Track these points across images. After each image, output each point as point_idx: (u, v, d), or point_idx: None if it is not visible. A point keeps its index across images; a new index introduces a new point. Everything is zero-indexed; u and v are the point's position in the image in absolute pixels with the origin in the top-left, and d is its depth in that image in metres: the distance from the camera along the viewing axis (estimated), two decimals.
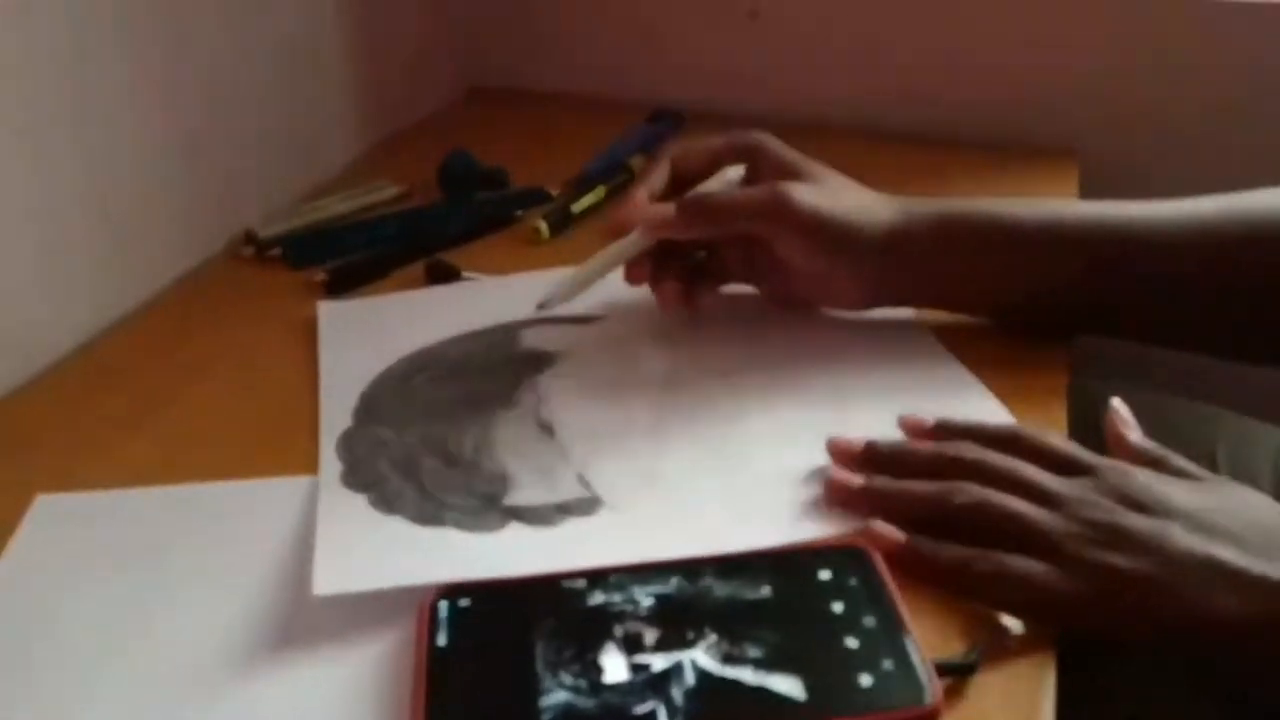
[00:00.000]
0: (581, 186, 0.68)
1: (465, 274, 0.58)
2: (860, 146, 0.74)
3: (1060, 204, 0.51)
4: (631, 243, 0.49)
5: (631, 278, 0.50)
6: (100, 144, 0.55)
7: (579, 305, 0.52)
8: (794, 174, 0.49)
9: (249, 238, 0.63)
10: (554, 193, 0.69)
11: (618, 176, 0.69)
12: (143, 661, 0.36)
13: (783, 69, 0.79)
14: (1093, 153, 0.72)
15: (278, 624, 0.37)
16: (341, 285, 0.59)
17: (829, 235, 0.47)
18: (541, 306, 0.49)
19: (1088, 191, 0.71)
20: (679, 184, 0.51)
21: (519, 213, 0.66)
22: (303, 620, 0.37)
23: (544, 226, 0.63)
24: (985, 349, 0.50)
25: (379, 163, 0.75)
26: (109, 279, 0.57)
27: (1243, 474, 0.57)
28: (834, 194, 0.49)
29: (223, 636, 0.37)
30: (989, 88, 0.74)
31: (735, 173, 0.50)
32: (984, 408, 0.46)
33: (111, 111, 0.56)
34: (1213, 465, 0.57)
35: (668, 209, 0.48)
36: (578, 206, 0.66)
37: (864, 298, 0.51)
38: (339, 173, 0.73)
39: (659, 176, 0.51)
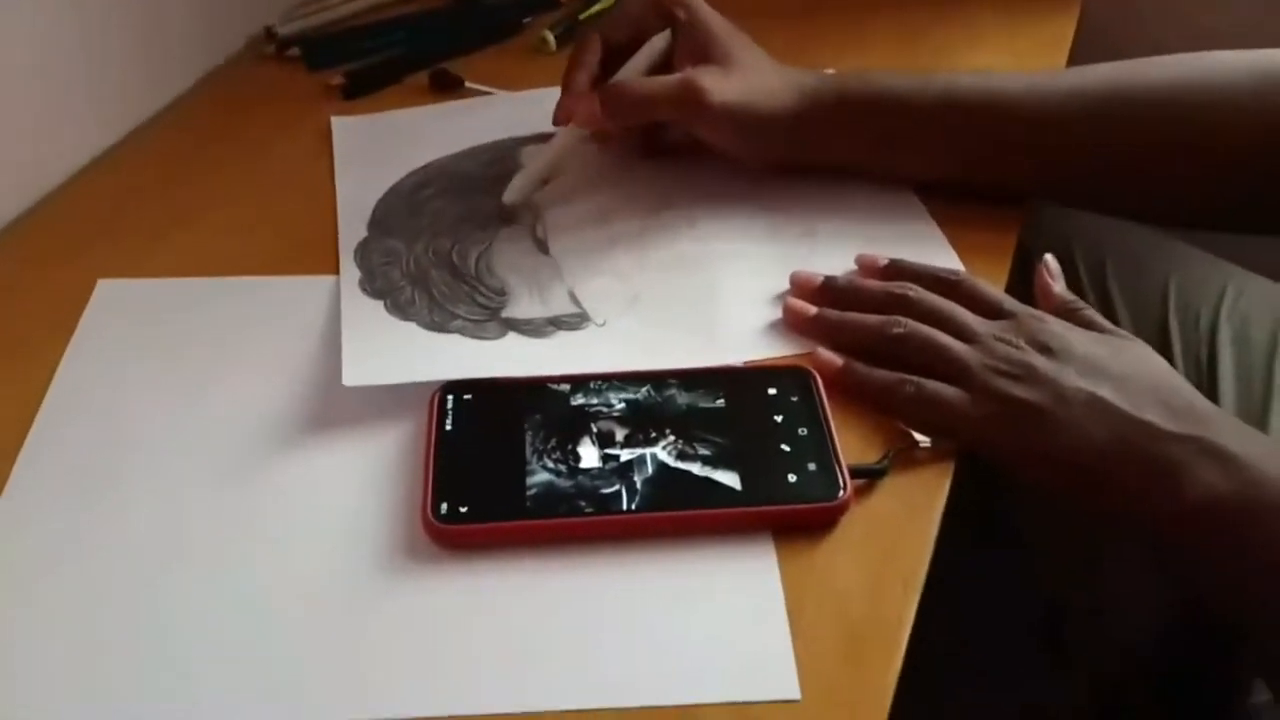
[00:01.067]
0: None
1: (469, 84, 0.61)
2: None
3: (957, 78, 0.53)
4: (572, 133, 0.53)
5: (599, 139, 0.54)
6: None
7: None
8: (710, 50, 0.52)
9: (269, 35, 0.66)
10: None
11: None
12: (195, 437, 0.43)
13: None
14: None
15: (309, 407, 0.44)
16: (356, 89, 0.62)
17: (738, 123, 0.51)
18: (504, 207, 0.53)
19: (1086, 35, 0.72)
20: (611, 57, 0.53)
21: (527, 20, 0.68)
22: (329, 406, 0.44)
23: (550, 38, 0.66)
24: (953, 202, 0.53)
25: None
26: (141, 76, 0.61)
27: (1189, 305, 0.63)
28: (744, 79, 0.51)
29: (263, 415, 0.44)
30: None
31: (662, 40, 0.53)
32: (940, 256, 0.51)
33: None
34: (1164, 295, 0.63)
35: (594, 104, 0.51)
36: (585, 15, 0.68)
37: (776, 166, 0.54)
38: None
39: (592, 55, 0.53)
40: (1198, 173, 0.51)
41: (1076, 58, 0.73)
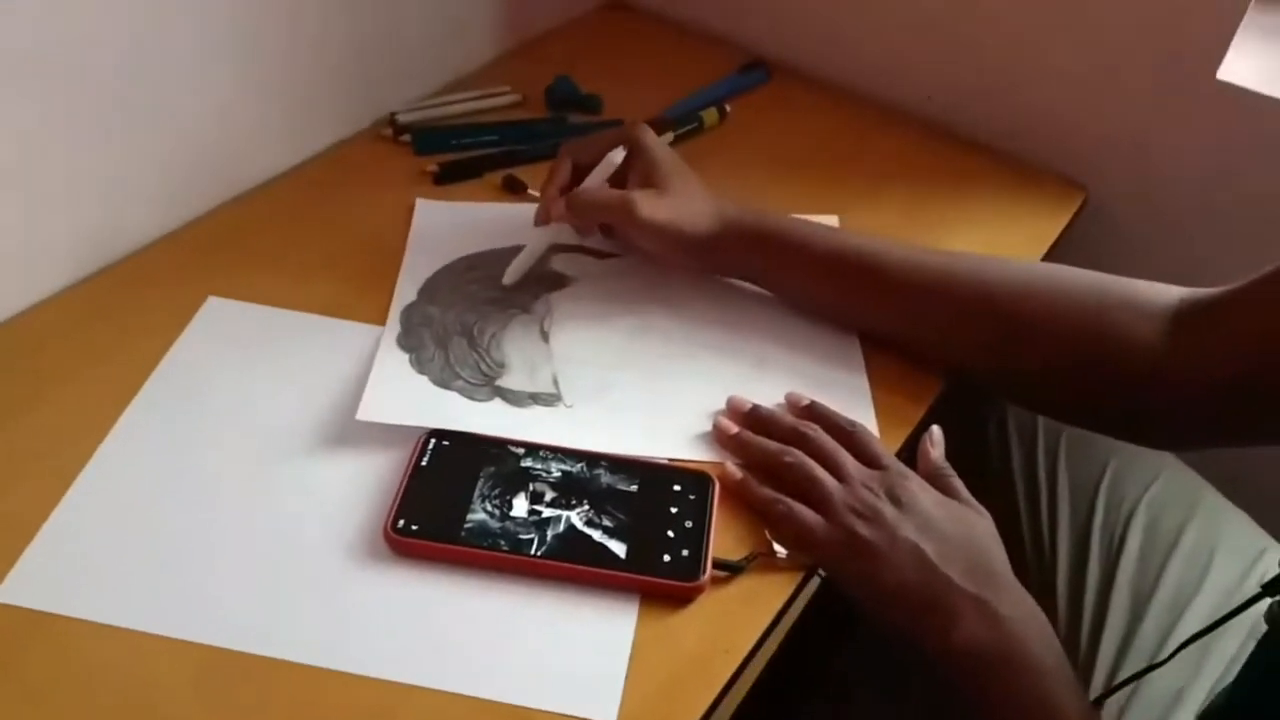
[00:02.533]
0: (657, 129, 0.82)
1: (530, 191, 0.75)
2: (900, 130, 0.86)
3: (848, 237, 0.63)
4: (549, 230, 0.66)
5: (581, 231, 0.69)
6: (293, 37, 0.73)
7: (598, 242, 0.70)
8: (653, 176, 0.64)
9: (391, 119, 0.81)
10: None
11: (689, 124, 0.83)
12: (248, 429, 0.58)
13: (864, 45, 0.88)
14: (1103, 196, 0.81)
15: (332, 426, 0.58)
16: (445, 178, 0.77)
17: (660, 235, 0.63)
18: (506, 284, 0.67)
19: (1088, 225, 0.81)
20: (580, 174, 0.66)
21: None
22: (346, 428, 0.57)
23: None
24: (891, 362, 0.63)
25: (509, 66, 0.90)
26: (287, 136, 0.77)
27: (1119, 487, 0.71)
28: (672, 202, 0.63)
29: (298, 425, 0.58)
30: (1034, 107, 0.82)
31: (618, 155, 0.65)
32: (859, 406, 0.61)
33: (301, 10, 0.73)
34: (1101, 474, 0.71)
35: (563, 206, 0.65)
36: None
37: (693, 274, 0.67)
38: (476, 69, 0.89)
39: (563, 172, 0.66)
40: (1021, 355, 0.60)
41: (1085, 247, 0.82)
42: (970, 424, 0.77)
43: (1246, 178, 0.76)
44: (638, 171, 0.65)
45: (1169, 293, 0.58)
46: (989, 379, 0.63)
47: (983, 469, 0.75)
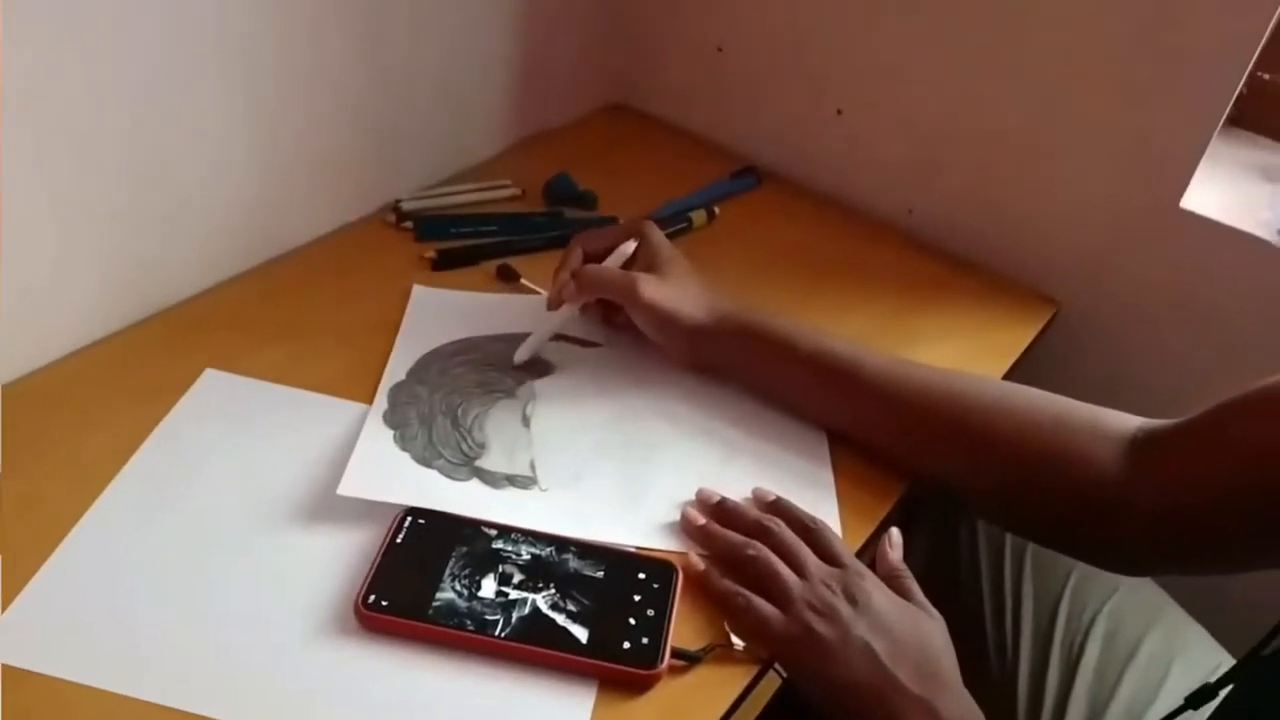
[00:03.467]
0: None
1: (524, 280, 0.79)
2: (881, 241, 0.90)
3: (832, 342, 0.65)
4: (566, 311, 0.70)
5: (585, 312, 0.73)
6: (307, 125, 0.78)
7: (584, 331, 0.74)
8: (656, 264, 0.69)
9: (395, 206, 0.85)
10: None
11: (677, 224, 0.87)
12: (241, 504, 0.60)
13: (850, 159, 0.93)
14: (1074, 311, 0.85)
15: (314, 499, 0.60)
16: (443, 264, 0.80)
17: (657, 319, 0.67)
18: (516, 363, 0.71)
19: (1060, 335, 0.85)
20: (589, 260, 0.71)
21: None
22: (328, 502, 0.59)
23: None
24: (858, 462, 0.66)
25: (512, 160, 0.95)
26: (297, 215, 0.80)
27: (1081, 597, 0.72)
28: (672, 289, 0.68)
29: (282, 497, 0.60)
30: (1009, 224, 0.86)
31: (630, 246, 0.70)
32: (824, 502, 0.63)
33: (323, 97, 0.77)
34: (1065, 582, 0.73)
35: (572, 288, 0.69)
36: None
37: (683, 365, 0.70)
38: (480, 162, 0.94)
39: (574, 259, 0.71)
40: (979, 470, 0.62)
41: (1056, 358, 0.85)
42: (941, 529, 0.79)
43: (1206, 302, 0.79)
44: (642, 262, 0.70)
45: (1129, 422, 0.60)
46: (955, 491, 0.65)
47: (951, 572, 0.77)
